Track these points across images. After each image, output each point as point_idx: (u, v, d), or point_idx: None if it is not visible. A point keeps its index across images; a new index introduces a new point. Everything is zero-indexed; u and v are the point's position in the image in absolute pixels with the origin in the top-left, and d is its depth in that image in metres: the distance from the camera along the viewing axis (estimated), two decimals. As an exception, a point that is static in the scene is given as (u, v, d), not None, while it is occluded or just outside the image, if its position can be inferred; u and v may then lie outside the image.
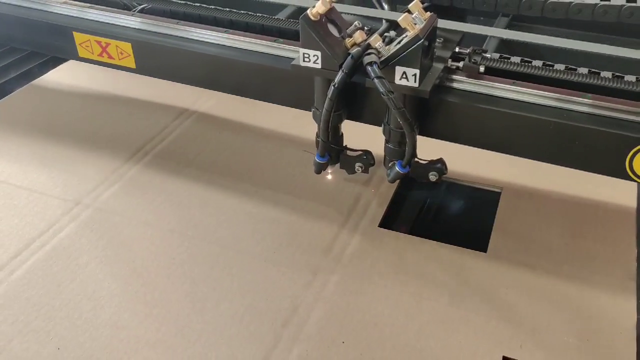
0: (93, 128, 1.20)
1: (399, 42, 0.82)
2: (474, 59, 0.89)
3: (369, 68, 0.80)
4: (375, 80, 0.79)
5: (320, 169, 0.94)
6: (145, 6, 1.10)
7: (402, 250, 0.93)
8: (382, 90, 0.79)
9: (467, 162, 1.09)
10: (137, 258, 0.91)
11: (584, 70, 0.85)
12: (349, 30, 0.86)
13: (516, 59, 0.89)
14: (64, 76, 1.39)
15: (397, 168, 0.90)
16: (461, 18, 1.05)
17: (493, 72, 0.88)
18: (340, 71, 0.82)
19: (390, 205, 1.01)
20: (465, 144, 0.91)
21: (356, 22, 0.86)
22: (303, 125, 1.22)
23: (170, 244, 0.93)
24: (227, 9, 1.06)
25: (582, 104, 0.82)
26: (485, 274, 0.88)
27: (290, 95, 0.97)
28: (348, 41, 0.85)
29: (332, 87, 0.82)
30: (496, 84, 0.86)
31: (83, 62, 1.19)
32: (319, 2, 0.81)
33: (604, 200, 1.02)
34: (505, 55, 0.90)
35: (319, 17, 0.82)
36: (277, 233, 0.96)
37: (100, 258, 0.90)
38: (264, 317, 0.82)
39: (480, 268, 0.89)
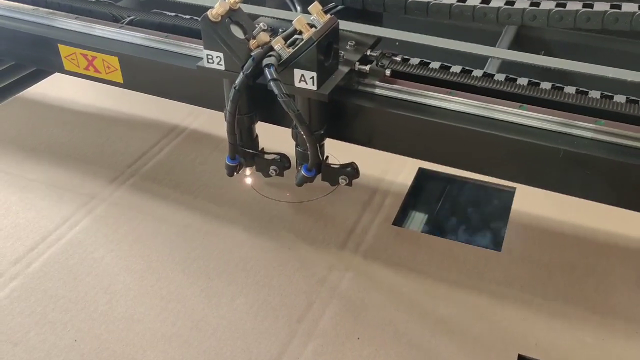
0: (106, 124, 1.21)
1: (296, 45, 0.80)
2: (382, 62, 0.87)
3: (266, 70, 0.78)
4: (271, 83, 0.77)
5: (231, 171, 0.94)
6: (134, 18, 1.06)
7: (416, 248, 0.93)
8: (277, 93, 0.77)
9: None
10: (152, 253, 0.91)
11: (478, 72, 0.86)
12: (254, 32, 0.84)
13: (415, 61, 0.89)
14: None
15: (302, 172, 0.90)
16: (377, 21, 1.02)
17: (398, 75, 0.87)
18: (241, 73, 0.81)
19: (403, 204, 1.01)
20: (378, 149, 0.88)
21: (261, 24, 0.85)
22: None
23: (185, 239, 0.94)
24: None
25: (479, 107, 0.81)
26: (499, 273, 0.88)
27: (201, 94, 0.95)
28: (252, 43, 0.83)
29: (233, 89, 0.82)
30: (405, 87, 0.85)
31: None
32: (218, 3, 0.80)
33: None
34: (406, 57, 0.90)
35: (219, 18, 0.80)
36: (291, 229, 0.96)
37: (116, 252, 0.91)
38: (278, 312, 0.82)
39: (494, 266, 0.89)
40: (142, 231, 0.95)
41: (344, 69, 0.84)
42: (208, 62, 0.84)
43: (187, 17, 1.04)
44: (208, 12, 0.80)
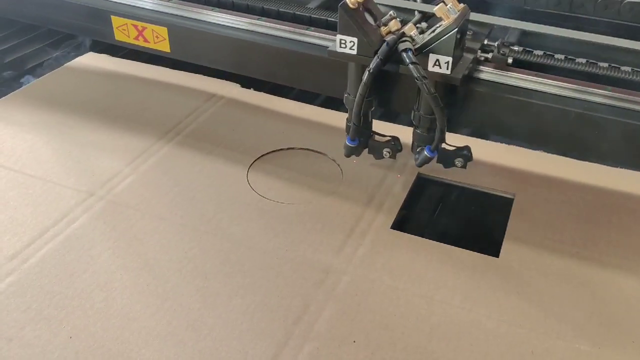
0: (113, 115, 1.21)
1: (433, 31, 0.89)
2: (503, 51, 0.95)
3: (404, 54, 0.87)
4: (410, 66, 0.86)
5: (350, 152, 1.03)
6: None
7: (414, 252, 0.93)
8: (416, 76, 0.86)
9: (480, 166, 1.09)
10: (149, 251, 0.91)
11: (604, 64, 0.94)
12: (383, 20, 0.92)
13: (539, 52, 0.98)
14: (84, 64, 1.40)
15: (425, 152, 0.98)
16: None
17: (519, 64, 0.97)
18: (376, 57, 0.89)
19: (402, 208, 1.01)
20: (491, 134, 1.02)
21: (391, 12, 0.93)
22: (331, 113, 1.25)
23: (182, 238, 0.93)
24: None
25: (602, 95, 0.91)
26: (497, 279, 0.88)
27: (321, 81, 1.08)
28: (383, 29, 0.92)
29: (367, 72, 0.89)
30: (522, 75, 0.95)
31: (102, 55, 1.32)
32: None
33: (621, 204, 1.02)
34: (528, 48, 0.99)
35: (357, 5, 0.89)
36: (289, 231, 0.96)
37: (113, 250, 0.91)
38: (275, 314, 0.82)
39: (492, 273, 0.89)
40: (139, 229, 0.95)
41: (469, 56, 0.93)
42: (340, 46, 0.92)
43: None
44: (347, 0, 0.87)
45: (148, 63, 1.41)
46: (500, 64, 0.96)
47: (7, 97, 1.27)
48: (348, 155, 1.04)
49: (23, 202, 0.98)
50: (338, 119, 1.23)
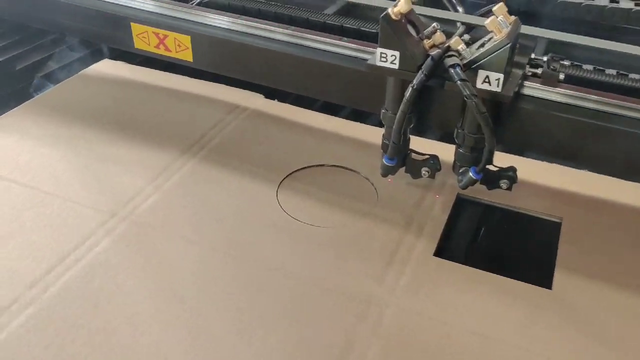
0: (132, 127, 1.15)
1: (482, 45, 0.84)
2: (553, 66, 0.90)
3: (452, 70, 0.81)
4: (460, 83, 0.81)
5: (387, 171, 0.97)
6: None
7: (460, 282, 0.87)
8: (466, 94, 0.80)
9: (521, 186, 1.03)
10: (177, 279, 0.85)
11: None
12: (426, 32, 0.87)
13: (589, 67, 0.93)
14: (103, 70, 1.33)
15: (470, 174, 0.92)
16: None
17: (569, 80, 0.91)
18: (420, 72, 0.84)
19: (443, 232, 0.95)
20: (536, 153, 0.97)
21: (434, 24, 0.87)
22: (360, 126, 1.20)
23: (212, 264, 0.87)
24: (287, 5, 1.13)
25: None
26: (553, 314, 0.82)
27: (355, 95, 1.01)
28: (426, 42, 0.86)
29: (411, 89, 0.84)
30: (569, 91, 0.89)
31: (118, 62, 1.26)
32: (402, 1, 0.83)
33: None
34: (576, 63, 0.94)
35: (399, 16, 0.82)
36: (325, 257, 0.90)
37: (139, 277, 0.84)
38: (316, 352, 0.76)
39: (547, 307, 0.83)
40: (166, 253, 0.89)
41: (518, 72, 0.87)
42: (380, 60, 0.86)
43: None
44: (390, 10, 0.82)
45: (165, 70, 1.35)
46: (551, 80, 0.90)
47: (20, 107, 1.21)
48: (385, 175, 0.98)
49: (41, 223, 0.92)
50: (367, 132, 1.17)
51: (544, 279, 0.88)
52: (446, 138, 1.14)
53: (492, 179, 0.95)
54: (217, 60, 1.12)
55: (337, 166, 1.09)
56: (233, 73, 1.14)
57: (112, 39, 1.22)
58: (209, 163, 1.07)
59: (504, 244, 0.99)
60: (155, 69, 1.35)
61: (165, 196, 0.99)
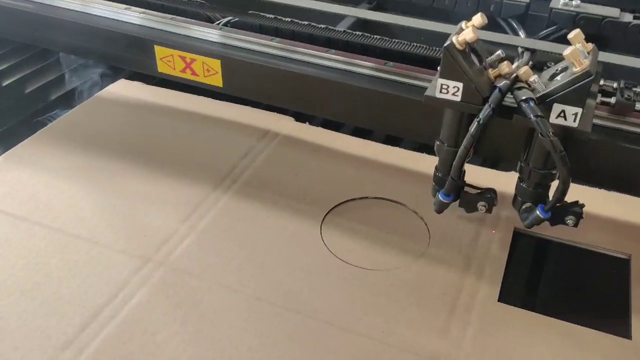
0: (157, 158, 1.07)
1: (554, 75, 0.76)
2: (628, 95, 0.83)
3: (525, 105, 0.74)
4: (534, 120, 0.73)
5: (442, 208, 0.89)
6: (231, 19, 1.04)
7: (530, 332, 0.79)
8: (542, 131, 0.73)
9: (585, 221, 0.96)
10: (223, 335, 0.77)
11: None
12: (490, 60, 0.79)
13: None
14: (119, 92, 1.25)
15: (537, 212, 0.84)
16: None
17: None
18: (487, 106, 0.76)
19: (506, 274, 0.88)
20: (601, 187, 0.91)
21: (499, 52, 0.79)
22: (401, 152, 1.13)
23: (259, 317, 0.80)
24: (323, 26, 1.03)
25: None
26: (639, 370, 0.75)
27: (407, 125, 0.93)
28: (491, 72, 0.79)
29: (477, 123, 0.77)
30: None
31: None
32: (468, 30, 0.75)
33: None
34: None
35: (464, 46, 0.75)
36: (381, 306, 0.82)
37: (181, 335, 0.77)
38: (384, 420, 0.69)
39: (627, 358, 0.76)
40: (208, 306, 0.81)
41: (591, 102, 0.78)
42: (441, 91, 0.79)
43: (288, 19, 1.04)
44: (454, 39, 0.74)
45: (184, 91, 1.27)
46: (625, 110, 0.83)
47: (34, 137, 1.13)
48: (439, 212, 0.90)
49: (69, 272, 0.84)
50: (406, 158, 1.10)
51: (618, 326, 0.81)
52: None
53: (557, 215, 0.88)
54: (250, 86, 1.04)
55: (381, 198, 1.01)
56: (268, 100, 1.06)
57: (133, 63, 1.12)
58: (243, 198, 0.99)
59: (570, 285, 0.91)
60: (174, 89, 1.28)
61: (200, 238, 0.91)
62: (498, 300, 0.84)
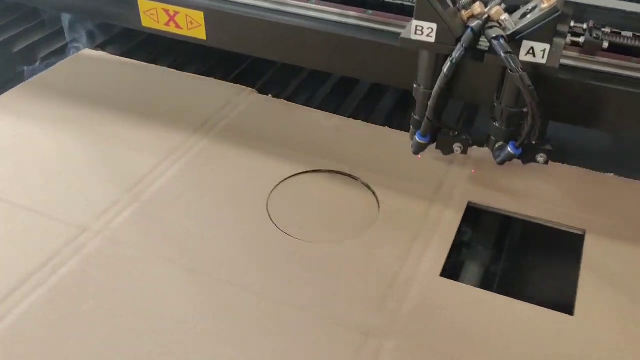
0: (108, 134, 1.05)
1: (524, 15, 0.80)
2: (595, 34, 0.88)
3: (496, 42, 0.77)
4: (504, 56, 0.77)
5: (419, 149, 0.94)
6: None
7: (471, 308, 0.77)
8: (511, 67, 0.77)
9: (541, 193, 0.93)
10: (151, 307, 0.75)
11: None
12: (463, 2, 0.83)
13: (628, 34, 0.89)
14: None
15: (509, 149, 0.88)
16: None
17: (613, 48, 0.88)
18: (459, 45, 0.80)
19: (452, 248, 0.85)
20: (572, 124, 0.92)
21: None
22: (363, 125, 1.10)
23: (192, 289, 0.78)
24: None
25: None
26: (574, 347, 0.72)
27: (385, 71, 0.98)
28: (464, 13, 0.83)
29: (449, 62, 0.81)
30: (612, 60, 0.87)
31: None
32: None
33: None
34: (615, 30, 0.90)
35: None
36: (318, 281, 0.80)
37: (108, 305, 0.75)
38: (305, 394, 0.67)
39: (568, 337, 0.73)
40: (139, 275, 0.79)
41: (560, 41, 0.82)
42: (416, 33, 0.82)
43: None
44: None
45: (148, 61, 1.25)
46: (593, 49, 0.86)
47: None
48: (416, 152, 0.95)
49: (1, 241, 0.83)
50: (372, 133, 1.07)
51: (563, 302, 0.78)
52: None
53: (528, 153, 0.90)
54: (233, 37, 1.05)
55: (334, 171, 0.99)
56: (251, 51, 1.09)
57: (117, 17, 1.14)
58: (192, 169, 0.97)
59: (520, 261, 0.89)
60: (139, 60, 1.25)
61: (143, 207, 0.90)
62: (440, 275, 0.81)
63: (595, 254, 0.84)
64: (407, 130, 0.98)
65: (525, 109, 0.83)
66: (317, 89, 1.28)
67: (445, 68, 0.81)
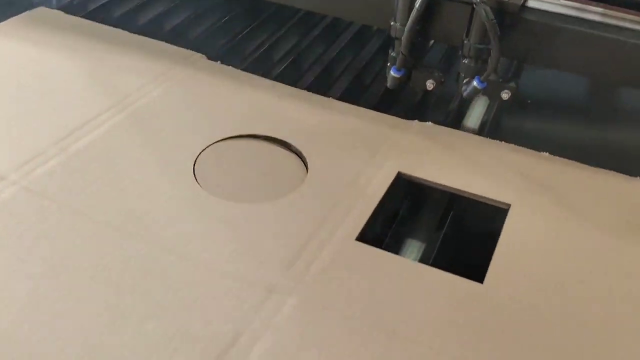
0: (50, 84, 1.04)
1: None
2: None
3: None
4: None
5: (394, 84, 1.02)
6: None
7: (379, 271, 0.76)
8: (475, 1, 0.86)
9: (471, 171, 0.92)
10: (57, 254, 0.75)
11: None
12: None
13: None
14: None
15: (474, 83, 0.97)
16: None
17: None
18: None
19: (374, 215, 0.84)
20: (535, 65, 1.01)
21: None
22: (311, 96, 1.08)
23: (102, 241, 0.77)
24: None
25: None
26: (476, 312, 0.71)
27: (362, 9, 1.07)
28: None
29: None
30: (575, 3, 0.94)
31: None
32: None
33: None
34: None
35: None
36: (233, 238, 0.79)
37: (14, 251, 0.75)
38: (196, 344, 0.66)
39: (472, 303, 0.72)
40: (50, 226, 0.78)
41: None
42: None
43: None
44: None
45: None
46: None
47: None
48: (392, 87, 1.03)
49: None
50: (315, 101, 1.06)
51: (476, 272, 0.77)
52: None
53: (494, 90, 0.98)
54: None
55: (269, 137, 0.98)
56: None
57: None
58: (126, 126, 0.97)
59: (440, 231, 0.88)
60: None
61: (68, 161, 0.89)
62: (356, 239, 0.80)
63: (516, 228, 0.83)
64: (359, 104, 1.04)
65: (490, 46, 0.91)
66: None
67: (417, 3, 0.91)
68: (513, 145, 0.99)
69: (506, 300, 0.73)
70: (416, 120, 1.02)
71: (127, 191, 0.85)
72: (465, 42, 0.96)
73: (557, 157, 0.96)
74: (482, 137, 1.00)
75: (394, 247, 0.85)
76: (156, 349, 0.65)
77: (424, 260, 0.84)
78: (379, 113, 1.05)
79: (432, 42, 1.21)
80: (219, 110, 1.02)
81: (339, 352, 0.66)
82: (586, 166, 0.94)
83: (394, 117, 1.04)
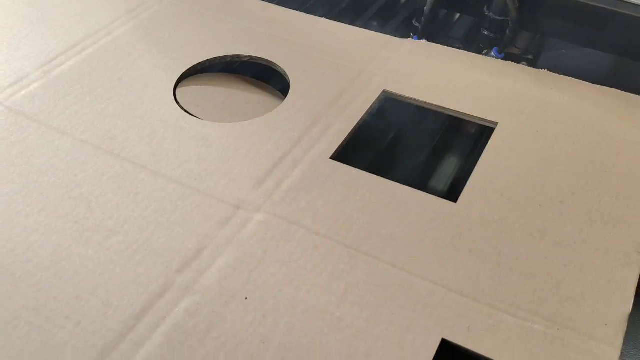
0: (35, 15, 1.04)
1: None
2: None
3: None
4: None
5: None
6: None
7: (352, 189, 0.75)
8: None
9: (462, 88, 0.88)
10: (32, 172, 0.76)
11: None
12: None
13: None
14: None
15: (493, 54, 1.00)
16: None
17: None
18: None
19: (352, 133, 0.83)
20: (555, 38, 1.01)
21: None
22: (301, 16, 1.04)
23: (77, 157, 0.78)
24: None
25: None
26: (447, 231, 0.70)
27: None
28: None
29: None
30: None
31: None
32: None
33: (628, 140, 0.80)
34: None
35: None
36: (206, 155, 0.79)
37: (-7, 168, 0.77)
38: (159, 257, 0.67)
39: (443, 222, 0.71)
40: (30, 143, 0.80)
41: None
42: None
43: None
44: None
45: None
46: None
47: None
48: None
49: None
50: (307, 23, 1.03)
51: (452, 192, 0.75)
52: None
53: (512, 62, 0.95)
54: None
55: (254, 57, 0.96)
56: None
57: None
58: (111, 49, 0.96)
59: (422, 150, 0.85)
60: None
61: (50, 83, 0.89)
62: (330, 158, 0.79)
63: (499, 147, 0.80)
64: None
65: (509, 18, 0.95)
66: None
67: None
68: (510, 62, 0.94)
69: (477, 218, 0.71)
70: (409, 39, 0.98)
71: (106, 112, 0.85)
72: (486, 13, 1.01)
73: (555, 74, 0.91)
74: (476, 54, 0.96)
75: (367, 162, 0.83)
76: (119, 261, 0.66)
77: (388, 174, 0.82)
78: (372, 32, 1.02)
79: (457, 16, 1.18)
80: (204, 32, 1.00)
81: (299, 267, 0.66)
82: (586, 83, 0.90)
83: (387, 35, 1.00)
